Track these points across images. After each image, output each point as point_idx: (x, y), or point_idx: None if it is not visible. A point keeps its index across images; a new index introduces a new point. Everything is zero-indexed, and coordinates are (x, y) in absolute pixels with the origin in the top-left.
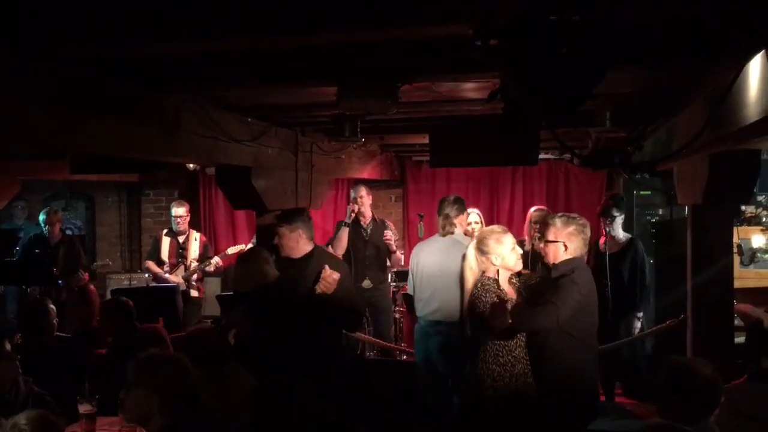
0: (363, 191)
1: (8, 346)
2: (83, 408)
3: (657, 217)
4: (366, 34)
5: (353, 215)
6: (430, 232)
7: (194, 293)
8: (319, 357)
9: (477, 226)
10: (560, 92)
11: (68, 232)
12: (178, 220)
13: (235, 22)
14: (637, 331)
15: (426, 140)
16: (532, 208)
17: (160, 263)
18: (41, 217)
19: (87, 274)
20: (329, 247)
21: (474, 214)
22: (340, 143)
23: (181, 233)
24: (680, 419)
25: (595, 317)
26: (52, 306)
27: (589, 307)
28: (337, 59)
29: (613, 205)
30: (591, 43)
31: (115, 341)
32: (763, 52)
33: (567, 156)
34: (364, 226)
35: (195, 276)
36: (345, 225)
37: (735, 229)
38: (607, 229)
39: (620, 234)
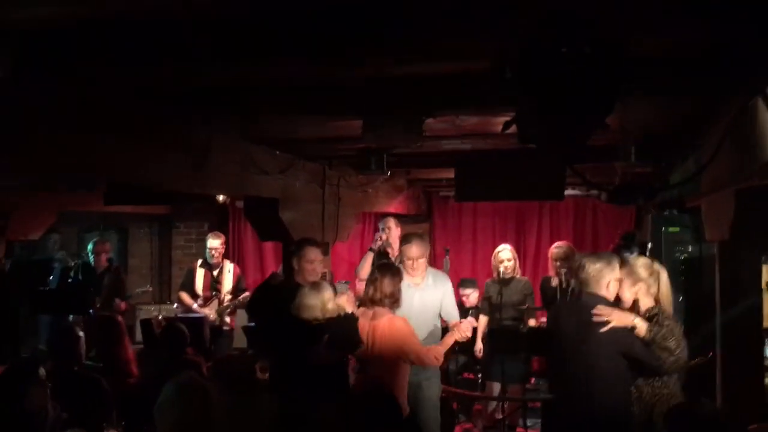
0: (391, 223)
1: (43, 372)
2: None
3: (686, 254)
4: (385, 69)
5: (380, 242)
6: (456, 267)
7: (225, 326)
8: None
9: (510, 264)
10: (569, 123)
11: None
12: (213, 252)
13: (263, 54)
14: None
15: (452, 175)
16: (553, 246)
17: (193, 295)
18: (89, 247)
19: (124, 303)
20: (356, 273)
21: (506, 251)
22: (367, 177)
23: (215, 266)
24: None
25: (570, 364)
26: (81, 333)
27: (559, 342)
28: (361, 93)
29: (622, 245)
30: (601, 74)
31: (156, 368)
32: None
33: (594, 192)
34: (393, 259)
35: (228, 311)
36: (371, 250)
37: (765, 266)
38: None
39: None
